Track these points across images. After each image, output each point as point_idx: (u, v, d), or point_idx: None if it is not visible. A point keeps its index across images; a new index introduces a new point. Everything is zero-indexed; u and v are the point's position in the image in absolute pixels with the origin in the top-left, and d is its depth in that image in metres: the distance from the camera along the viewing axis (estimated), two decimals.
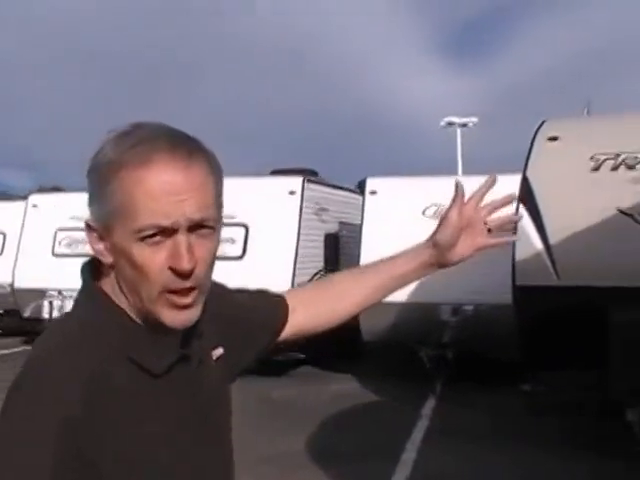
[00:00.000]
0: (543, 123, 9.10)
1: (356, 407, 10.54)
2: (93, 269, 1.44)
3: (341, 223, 15.23)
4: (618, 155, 8.31)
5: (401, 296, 11.68)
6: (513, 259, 8.46)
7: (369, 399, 11.17)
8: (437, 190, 13.13)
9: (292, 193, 13.21)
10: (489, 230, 1.84)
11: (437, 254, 1.85)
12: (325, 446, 8.47)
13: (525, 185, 8.69)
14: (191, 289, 1.35)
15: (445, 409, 10.45)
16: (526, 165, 8.81)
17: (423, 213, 12.54)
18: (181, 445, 1.40)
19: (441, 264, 1.87)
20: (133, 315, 1.40)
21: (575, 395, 8.61)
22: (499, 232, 1.86)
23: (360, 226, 13.12)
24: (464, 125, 34.37)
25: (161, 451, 1.36)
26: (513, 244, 8.56)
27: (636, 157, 8.21)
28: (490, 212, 1.83)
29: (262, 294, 1.88)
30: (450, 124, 34.43)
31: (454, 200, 1.80)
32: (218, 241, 1.42)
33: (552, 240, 8.29)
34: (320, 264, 14.03)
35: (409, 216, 12.40)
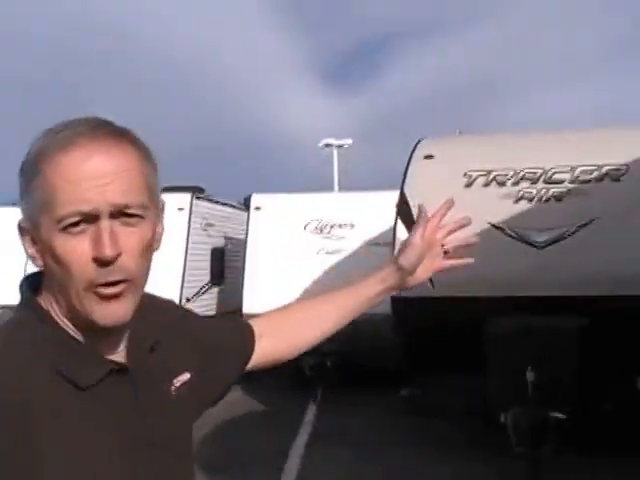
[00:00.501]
0: (419, 142, 9.47)
1: (238, 416, 10.62)
2: (34, 283, 1.37)
3: (227, 238, 15.68)
4: (490, 172, 8.74)
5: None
6: None
7: (252, 408, 11.34)
8: (317, 206, 13.56)
9: (181, 209, 13.57)
10: (445, 252, 1.87)
11: (400, 277, 1.84)
12: (208, 457, 8.42)
13: (402, 200, 9.04)
14: (117, 281, 1.27)
15: (326, 416, 10.68)
16: (403, 181, 9.15)
17: (305, 228, 13.03)
18: (114, 462, 1.31)
19: (402, 287, 1.88)
20: (70, 326, 1.33)
21: (451, 400, 8.93)
22: (455, 253, 1.89)
23: (245, 240, 13.48)
24: (340, 146, 35.24)
25: (81, 465, 1.27)
26: (390, 254, 8.85)
27: (506, 174, 8.66)
28: (447, 234, 1.88)
29: (229, 321, 1.85)
30: (328, 145, 35.22)
31: (418, 224, 1.84)
32: (153, 232, 1.35)
33: None
34: (206, 277, 14.38)
35: (291, 231, 12.92)
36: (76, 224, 1.24)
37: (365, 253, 12.44)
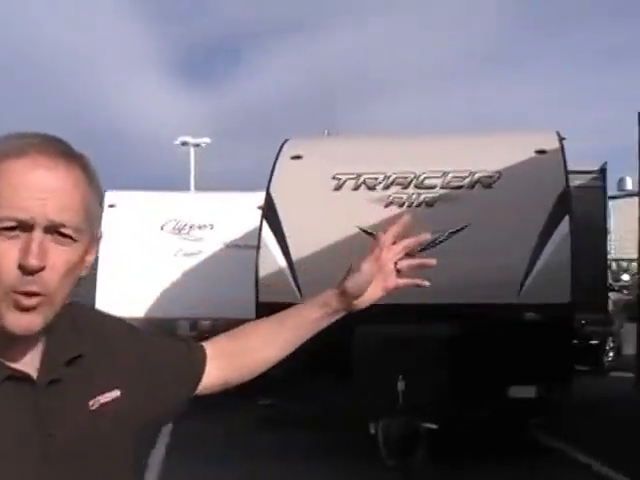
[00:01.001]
0: (286, 142, 9.16)
1: None
2: None
3: None
4: (359, 176, 8.52)
5: (139, 311, 11.34)
6: (256, 275, 8.40)
7: None
8: (176, 206, 13.07)
9: None
10: (398, 271, 1.75)
11: (344, 301, 1.74)
12: None
13: (269, 202, 8.70)
14: (36, 294, 1.28)
15: (183, 426, 10.21)
16: (270, 182, 8.80)
17: (162, 228, 12.52)
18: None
19: (349, 309, 1.77)
20: None
21: (319, 408, 8.68)
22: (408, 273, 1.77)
23: None
24: (197, 145, 34.83)
25: None
26: (256, 260, 8.53)
27: (376, 178, 8.46)
28: (401, 253, 1.75)
29: (180, 342, 1.79)
30: (184, 143, 34.73)
31: (372, 252, 1.71)
32: (81, 258, 1.36)
33: (295, 257, 8.32)
34: None
35: (148, 230, 12.30)
36: (11, 229, 1.27)
37: (225, 255, 12.09)
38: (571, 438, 8.58)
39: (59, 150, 1.33)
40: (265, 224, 8.56)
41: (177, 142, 34.99)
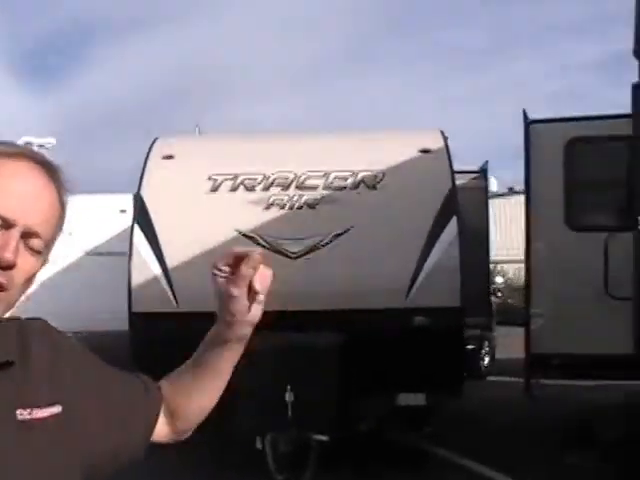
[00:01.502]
0: (156, 140, 8.64)
1: None
2: None
3: None
4: (237, 176, 8.09)
5: None
6: (129, 285, 7.83)
7: None
8: None
9: None
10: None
11: (237, 327, 1.60)
12: None
13: (139, 204, 8.14)
14: (1, 287, 1.31)
15: None
16: (140, 184, 8.24)
17: None
18: None
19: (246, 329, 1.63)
20: None
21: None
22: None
23: None
24: (42, 146, 33.78)
25: None
26: (129, 267, 7.96)
27: (255, 179, 8.05)
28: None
29: (135, 378, 1.68)
30: (28, 144, 33.57)
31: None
32: (37, 269, 1.39)
33: (170, 264, 7.83)
34: None
35: None
36: None
37: (86, 263, 11.41)
38: (456, 445, 8.45)
39: (47, 162, 1.39)
40: (137, 228, 8.00)
41: (20, 142, 34.03)
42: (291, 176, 8.03)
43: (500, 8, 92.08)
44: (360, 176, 7.89)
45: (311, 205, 7.91)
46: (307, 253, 7.65)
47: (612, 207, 8.16)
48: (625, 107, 7.08)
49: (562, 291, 8.19)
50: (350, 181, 7.90)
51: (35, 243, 1.35)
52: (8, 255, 1.29)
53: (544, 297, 8.25)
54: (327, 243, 7.61)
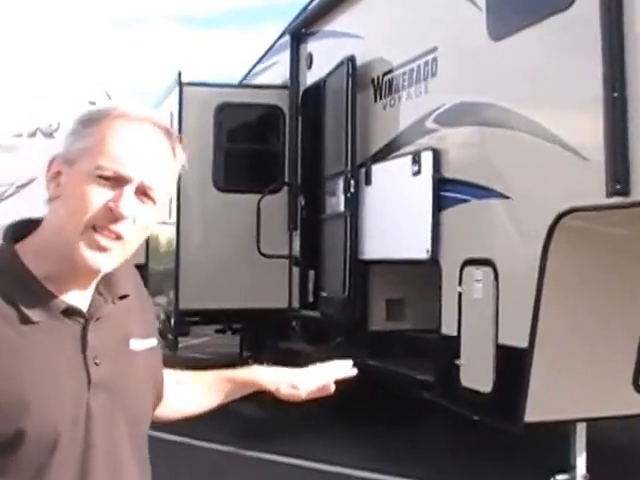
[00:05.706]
0: None
1: None
2: (18, 231, 1.47)
3: None
4: None
5: None
6: None
7: None
8: None
9: None
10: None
11: (286, 388, 1.96)
12: None
13: None
14: (116, 237, 1.41)
15: None
16: None
17: None
18: (61, 394, 1.41)
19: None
20: (38, 274, 1.42)
21: None
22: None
23: None
24: None
25: (28, 391, 1.35)
26: None
27: None
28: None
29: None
30: None
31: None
32: (150, 221, 1.48)
33: None
34: None
35: None
36: (107, 179, 1.39)
37: None
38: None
39: (166, 128, 1.49)
40: None
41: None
42: None
43: None
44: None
45: None
46: None
47: (257, 170, 8.54)
48: None
49: (212, 251, 8.35)
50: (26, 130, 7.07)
51: (149, 196, 1.44)
52: (125, 209, 1.39)
53: (193, 257, 8.33)
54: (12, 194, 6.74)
